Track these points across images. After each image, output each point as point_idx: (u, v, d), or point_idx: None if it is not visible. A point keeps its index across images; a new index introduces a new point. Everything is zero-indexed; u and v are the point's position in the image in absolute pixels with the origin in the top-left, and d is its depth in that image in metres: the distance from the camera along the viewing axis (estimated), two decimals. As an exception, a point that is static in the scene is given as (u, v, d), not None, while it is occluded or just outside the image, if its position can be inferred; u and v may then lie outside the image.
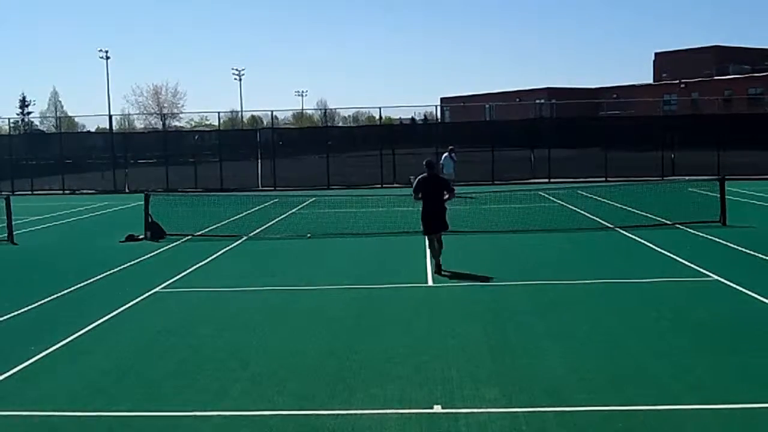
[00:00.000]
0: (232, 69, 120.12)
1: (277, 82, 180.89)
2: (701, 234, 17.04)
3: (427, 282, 12.63)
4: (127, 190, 37.58)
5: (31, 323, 10.55)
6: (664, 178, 34.26)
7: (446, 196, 13.42)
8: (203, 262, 15.14)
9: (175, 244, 17.89)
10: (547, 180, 36.16)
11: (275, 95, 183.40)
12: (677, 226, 18.28)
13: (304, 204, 26.33)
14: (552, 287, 11.97)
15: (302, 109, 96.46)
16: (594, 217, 20.48)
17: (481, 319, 10.04)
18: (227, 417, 6.87)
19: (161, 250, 17.04)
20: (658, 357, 8.29)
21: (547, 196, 25.95)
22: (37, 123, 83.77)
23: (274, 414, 6.88)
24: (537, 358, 8.28)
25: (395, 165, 38.03)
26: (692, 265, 13.34)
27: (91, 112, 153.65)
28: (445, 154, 28.90)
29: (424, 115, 67.90)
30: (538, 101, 70.14)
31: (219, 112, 46.83)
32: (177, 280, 13.41)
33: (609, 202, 23.85)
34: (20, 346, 9.19)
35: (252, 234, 19.20)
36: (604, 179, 34.71)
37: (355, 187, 35.50)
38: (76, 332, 9.81)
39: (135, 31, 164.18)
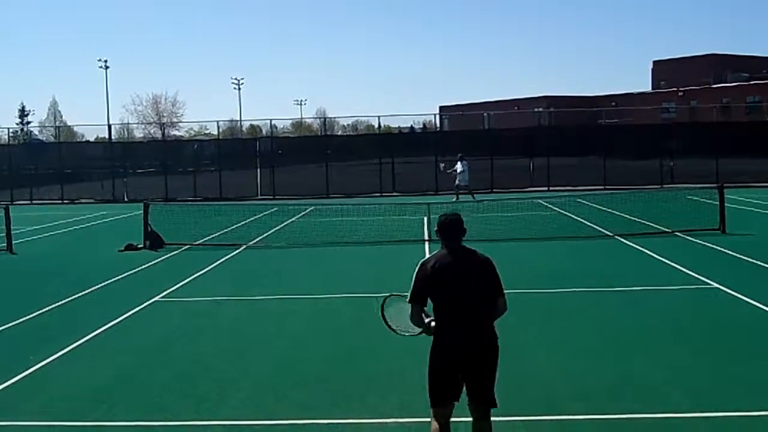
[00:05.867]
0: (232, 78, 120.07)
1: (276, 91, 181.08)
2: (701, 242, 17.04)
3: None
4: (126, 200, 37.57)
5: (30, 333, 10.53)
6: (663, 186, 34.28)
7: None
8: (202, 271, 15.13)
9: (174, 253, 17.88)
10: (546, 188, 36.17)
11: (274, 104, 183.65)
12: (677, 234, 18.29)
13: (304, 213, 26.32)
14: (550, 296, 11.96)
15: (301, 118, 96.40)
16: (593, 225, 20.49)
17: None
18: (227, 426, 6.85)
19: (160, 259, 17.04)
20: (657, 365, 8.28)
21: (546, 204, 25.96)
22: (37, 132, 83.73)
23: (274, 423, 6.87)
24: (535, 367, 8.27)
25: (394, 173, 38.07)
26: (692, 273, 13.34)
27: (90, 122, 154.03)
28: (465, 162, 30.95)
29: (423, 124, 68.04)
30: (536, 109, 70.27)
31: (218, 122, 46.83)
32: (176, 289, 13.39)
33: (608, 210, 23.85)
34: (19, 356, 9.17)
35: (251, 243, 19.19)
36: (603, 187, 34.72)
37: (355, 195, 35.51)
38: (76, 342, 9.79)
39: (134, 40, 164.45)
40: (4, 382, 8.19)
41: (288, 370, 8.42)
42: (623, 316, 10.54)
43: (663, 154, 37.11)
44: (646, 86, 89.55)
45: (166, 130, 73.89)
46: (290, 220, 24.19)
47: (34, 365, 8.79)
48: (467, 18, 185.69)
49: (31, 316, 11.40)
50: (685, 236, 17.92)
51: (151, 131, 78.11)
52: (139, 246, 18.55)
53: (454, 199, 29.98)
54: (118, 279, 14.51)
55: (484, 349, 5.36)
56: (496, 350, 5.43)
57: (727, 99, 66.04)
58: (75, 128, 76.78)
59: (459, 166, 30.91)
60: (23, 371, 8.55)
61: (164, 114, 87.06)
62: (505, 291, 5.53)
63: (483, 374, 5.37)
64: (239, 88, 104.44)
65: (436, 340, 5.41)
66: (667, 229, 18.94)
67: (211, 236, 20.35)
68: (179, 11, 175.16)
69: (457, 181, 31.03)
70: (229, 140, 52.95)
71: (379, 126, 44.14)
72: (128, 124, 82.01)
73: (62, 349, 9.43)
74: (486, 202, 25.18)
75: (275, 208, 27.50)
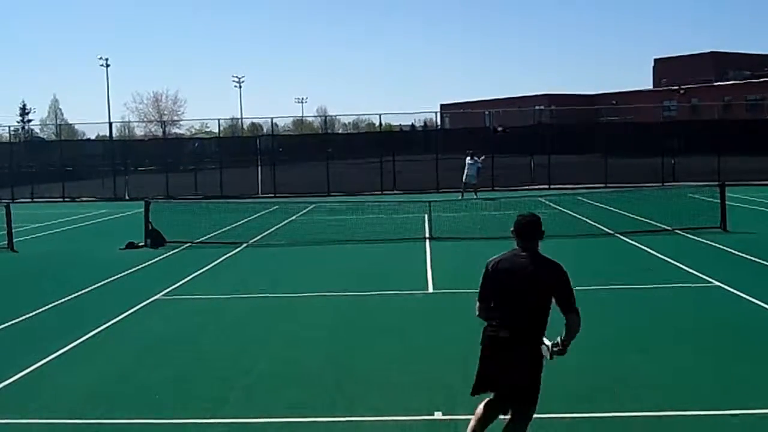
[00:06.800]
0: (232, 76, 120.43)
1: (277, 89, 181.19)
2: (702, 240, 17.02)
3: (427, 289, 12.62)
4: (127, 198, 37.57)
5: (31, 331, 10.53)
6: (664, 184, 34.25)
7: None
8: (203, 270, 15.12)
9: (175, 251, 17.88)
10: (547, 186, 36.13)
11: (275, 102, 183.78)
12: (677, 232, 18.27)
13: (304, 211, 26.34)
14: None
15: (302, 116, 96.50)
16: (594, 224, 20.47)
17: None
18: (227, 424, 6.85)
19: (161, 257, 17.04)
20: (659, 363, 8.27)
21: (547, 202, 25.94)
22: (38, 131, 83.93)
23: (274, 422, 6.87)
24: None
25: (395, 172, 38.06)
26: (693, 271, 13.32)
27: (91, 120, 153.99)
28: (470, 160, 30.31)
29: (424, 122, 67.83)
30: (537, 107, 70.18)
31: (219, 120, 46.86)
32: (177, 287, 13.39)
33: (609, 208, 23.83)
34: (20, 354, 9.17)
35: (252, 241, 19.19)
36: (604, 185, 34.71)
37: (355, 194, 35.49)
38: (77, 340, 9.79)
39: (135, 38, 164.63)
40: (4, 381, 8.19)
41: (288, 369, 8.41)
42: (624, 314, 10.53)
43: (664, 152, 37.08)
44: (647, 84, 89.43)
45: (167, 128, 73.74)
46: (291, 218, 24.18)
47: (35, 363, 8.78)
48: (467, 17, 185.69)
49: (31, 314, 11.40)
50: (686, 234, 17.90)
51: (152, 129, 78.07)
52: (141, 244, 18.56)
53: (459, 198, 29.41)
54: (119, 277, 14.51)
55: (517, 359, 5.32)
56: (536, 362, 5.40)
57: (728, 97, 65.97)
58: (76, 126, 76.99)
59: (473, 164, 30.45)
60: (24, 369, 8.55)
61: (165, 112, 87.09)
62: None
63: (515, 384, 5.35)
64: (240, 86, 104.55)
65: (484, 333, 5.56)
66: (668, 227, 18.92)
67: (212, 234, 20.35)
68: (179, 10, 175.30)
69: (465, 179, 30.57)
70: (230, 138, 52.95)
71: (380, 124, 44.14)
72: (129, 122, 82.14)
73: (63, 348, 9.43)
74: (487, 200, 25.17)
75: (276, 206, 27.51)
